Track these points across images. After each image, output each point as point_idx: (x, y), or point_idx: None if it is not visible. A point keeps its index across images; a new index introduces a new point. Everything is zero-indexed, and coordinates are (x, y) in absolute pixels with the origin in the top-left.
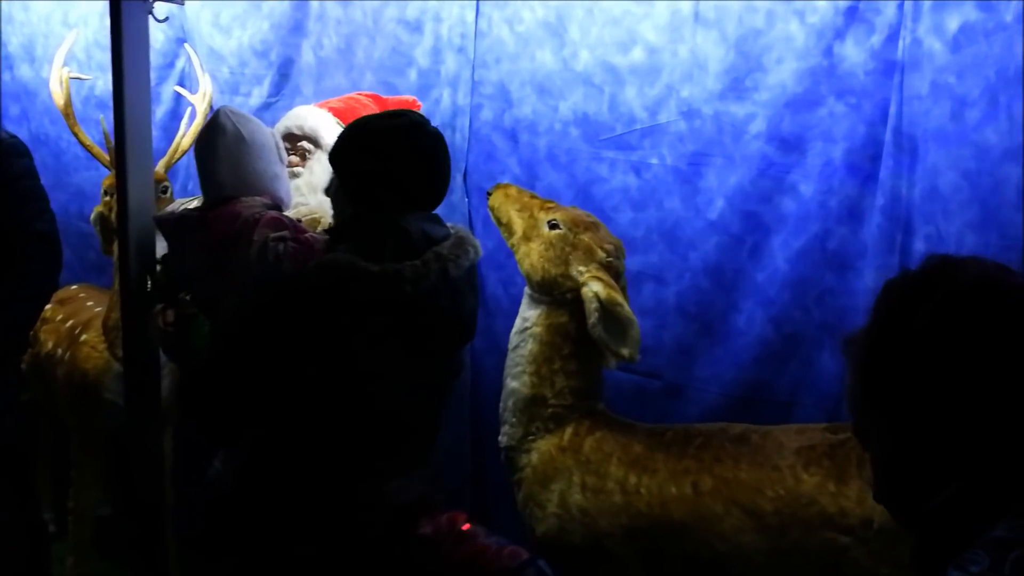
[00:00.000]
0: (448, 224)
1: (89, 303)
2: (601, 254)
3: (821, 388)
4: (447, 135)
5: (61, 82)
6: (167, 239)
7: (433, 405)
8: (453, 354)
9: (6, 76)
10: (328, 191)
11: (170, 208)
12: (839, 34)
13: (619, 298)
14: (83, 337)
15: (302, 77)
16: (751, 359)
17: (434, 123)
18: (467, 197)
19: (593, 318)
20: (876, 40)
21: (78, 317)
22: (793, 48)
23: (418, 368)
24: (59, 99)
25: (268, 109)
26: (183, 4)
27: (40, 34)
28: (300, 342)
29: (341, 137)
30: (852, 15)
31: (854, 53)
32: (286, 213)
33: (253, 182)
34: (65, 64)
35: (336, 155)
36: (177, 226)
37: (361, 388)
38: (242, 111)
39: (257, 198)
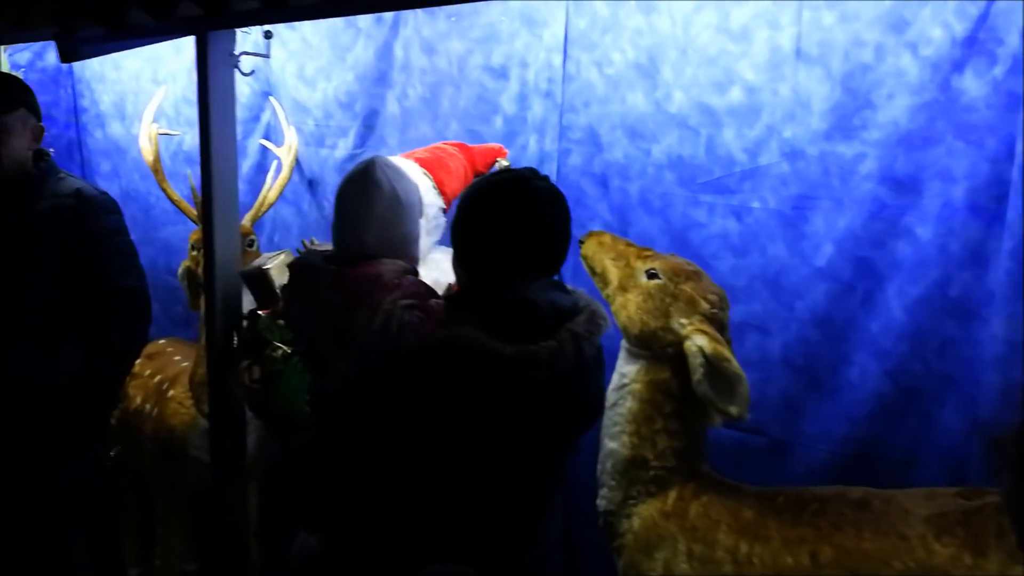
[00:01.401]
0: (569, 288)
1: (176, 358)
2: (704, 305)
3: (943, 446)
4: None
5: (150, 138)
6: (298, 285)
7: (555, 485)
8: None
9: (98, 134)
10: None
11: (257, 262)
12: (957, 67)
13: (726, 352)
14: (170, 393)
15: (387, 128)
16: (864, 415)
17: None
18: None
19: (698, 374)
20: (998, 72)
21: (166, 372)
22: (906, 83)
23: (544, 451)
24: (148, 155)
25: (353, 160)
26: (269, 57)
27: (130, 92)
28: (419, 423)
29: (459, 199)
30: (971, 46)
31: (974, 86)
32: None
33: (399, 244)
34: (154, 120)
35: (454, 220)
36: (313, 275)
37: (483, 472)
38: (393, 162)
39: (399, 261)
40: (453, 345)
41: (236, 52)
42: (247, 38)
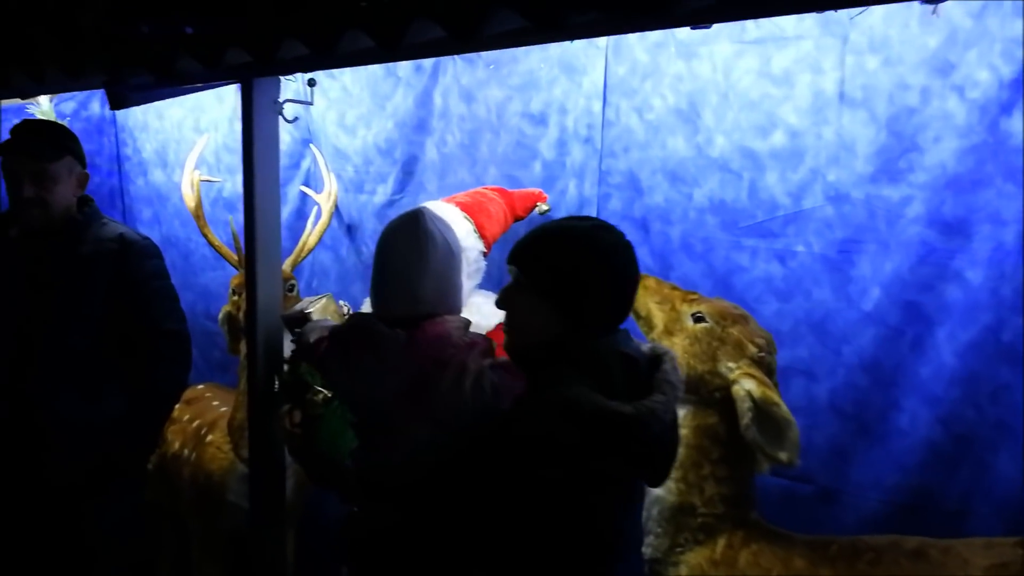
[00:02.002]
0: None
1: (215, 403)
2: (752, 349)
3: (998, 495)
4: None
5: (193, 185)
6: (359, 350)
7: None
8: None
9: (139, 181)
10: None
11: (299, 306)
12: (1005, 109)
13: (775, 397)
14: (209, 437)
15: (426, 174)
16: (916, 462)
17: (559, 215)
18: None
19: (746, 419)
20: None
21: (204, 417)
22: (953, 126)
23: (630, 494)
24: (190, 201)
25: (392, 206)
26: (311, 104)
27: (172, 140)
28: (537, 483)
29: (540, 246)
30: (1019, 88)
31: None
32: None
33: (452, 297)
34: (196, 167)
35: (542, 267)
36: (376, 340)
37: (593, 522)
38: (437, 212)
39: (458, 316)
40: (571, 406)
41: (280, 99)
42: (289, 86)
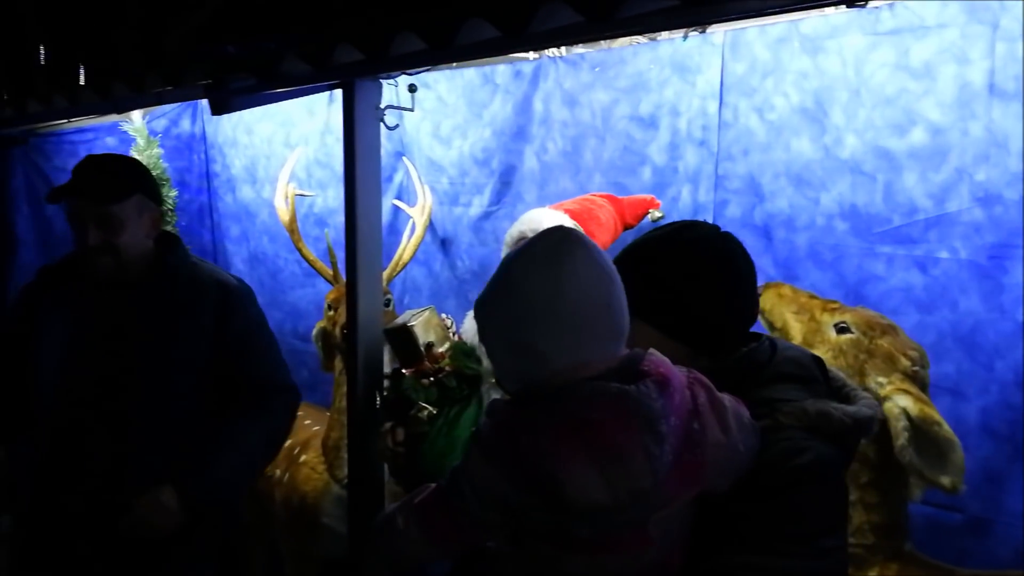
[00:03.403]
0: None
1: (307, 422)
2: (905, 362)
3: None
4: None
5: (287, 198)
6: (632, 434)
7: None
8: None
9: (228, 198)
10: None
11: (400, 319)
12: None
13: (935, 415)
14: (302, 458)
15: (524, 183)
16: None
17: (671, 221)
18: None
19: (902, 439)
20: None
21: (296, 437)
22: None
23: None
24: (284, 215)
25: (489, 218)
26: (412, 111)
27: (262, 156)
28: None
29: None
30: None
31: None
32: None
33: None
34: (288, 182)
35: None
36: (645, 415)
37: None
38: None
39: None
40: (823, 422)
41: (382, 106)
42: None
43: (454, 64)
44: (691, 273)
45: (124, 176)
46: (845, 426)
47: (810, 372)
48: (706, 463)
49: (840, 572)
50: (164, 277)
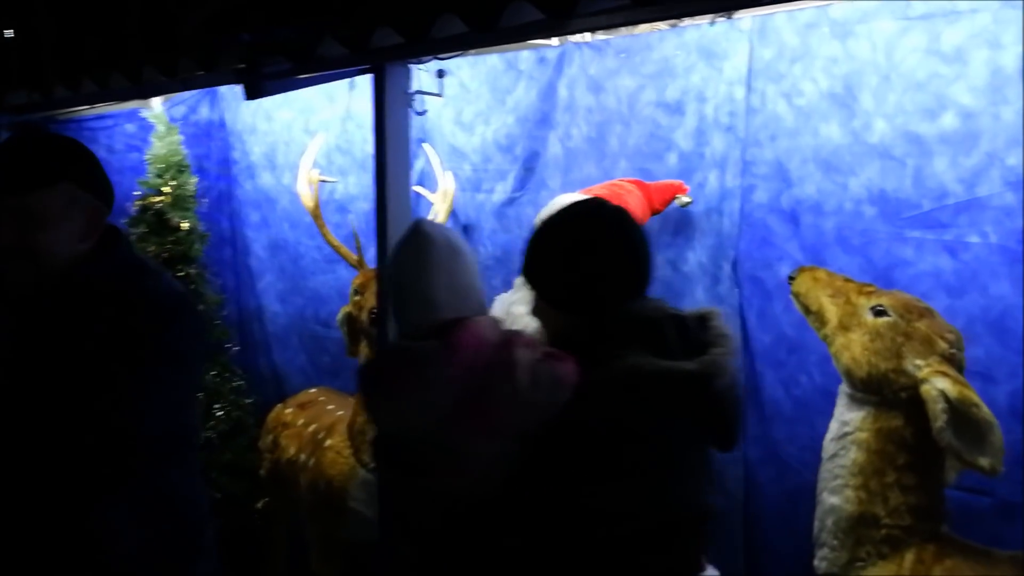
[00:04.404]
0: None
1: (330, 407)
2: (943, 345)
3: None
4: (713, 220)
5: (311, 184)
6: (408, 377)
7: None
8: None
9: (247, 185)
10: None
11: None
12: None
13: (974, 396)
14: (328, 442)
15: (548, 170)
16: None
17: (698, 208)
18: (737, 288)
19: (940, 421)
20: None
21: (321, 421)
22: None
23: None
24: (308, 201)
25: (512, 204)
26: (441, 96)
27: (281, 142)
28: (620, 454)
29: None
30: None
31: None
32: None
33: (473, 298)
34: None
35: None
36: (422, 360)
37: (670, 497)
38: (439, 223)
39: (487, 316)
40: (634, 374)
41: (410, 91)
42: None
43: (477, 49)
44: (534, 249)
45: (46, 159)
46: (654, 378)
47: (659, 332)
48: (496, 409)
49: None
50: (72, 289)
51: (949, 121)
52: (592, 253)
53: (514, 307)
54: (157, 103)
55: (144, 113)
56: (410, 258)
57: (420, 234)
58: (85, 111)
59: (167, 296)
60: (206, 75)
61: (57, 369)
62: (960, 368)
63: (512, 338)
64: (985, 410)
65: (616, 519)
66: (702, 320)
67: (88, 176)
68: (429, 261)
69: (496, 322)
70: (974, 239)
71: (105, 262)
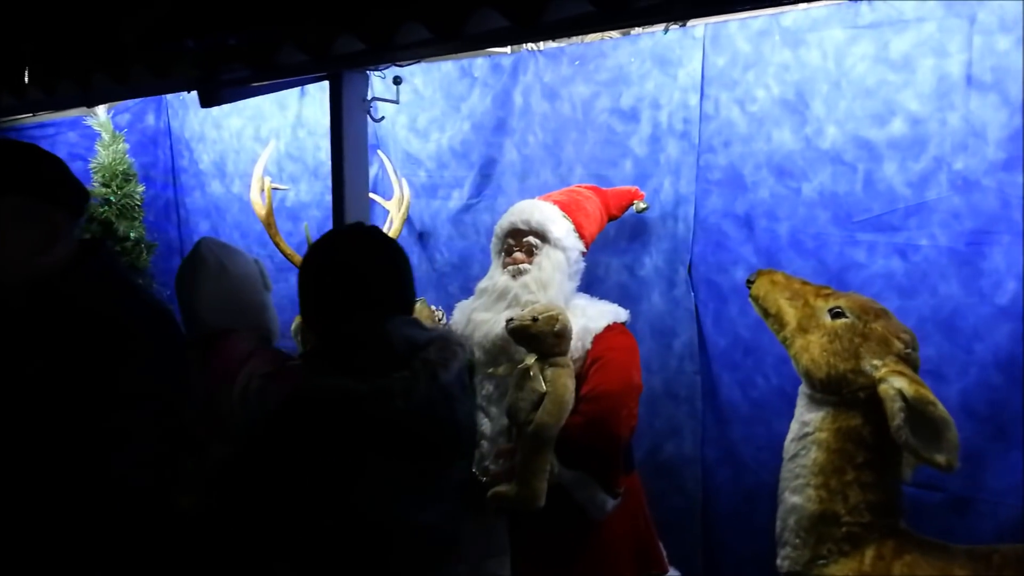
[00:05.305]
0: (426, 325)
1: None
2: (899, 345)
3: None
4: (668, 225)
5: (264, 191)
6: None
7: (445, 515)
8: (456, 462)
9: (196, 194)
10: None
11: None
12: None
13: (930, 395)
14: None
15: (505, 176)
16: None
17: (654, 213)
18: (692, 291)
19: (898, 419)
20: None
21: None
22: None
23: (420, 479)
24: (260, 209)
25: (468, 211)
26: (397, 103)
27: (231, 150)
28: (299, 477)
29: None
30: None
31: None
32: (522, 309)
33: (241, 314)
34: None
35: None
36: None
37: (362, 507)
38: (223, 242)
39: (251, 332)
40: (310, 395)
41: (368, 98)
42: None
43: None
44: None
45: None
46: (323, 397)
47: (371, 354)
48: (216, 407)
49: None
50: (37, 307)
51: (898, 127)
52: (320, 277)
53: (475, 314)
54: (102, 111)
55: (89, 121)
56: (185, 275)
57: (195, 253)
58: (26, 119)
59: (141, 317)
60: (159, 82)
61: (12, 388)
62: (915, 367)
63: (252, 356)
64: (941, 408)
65: (309, 529)
66: (437, 344)
67: (43, 185)
68: (197, 278)
69: (257, 339)
70: (923, 241)
71: (75, 277)
